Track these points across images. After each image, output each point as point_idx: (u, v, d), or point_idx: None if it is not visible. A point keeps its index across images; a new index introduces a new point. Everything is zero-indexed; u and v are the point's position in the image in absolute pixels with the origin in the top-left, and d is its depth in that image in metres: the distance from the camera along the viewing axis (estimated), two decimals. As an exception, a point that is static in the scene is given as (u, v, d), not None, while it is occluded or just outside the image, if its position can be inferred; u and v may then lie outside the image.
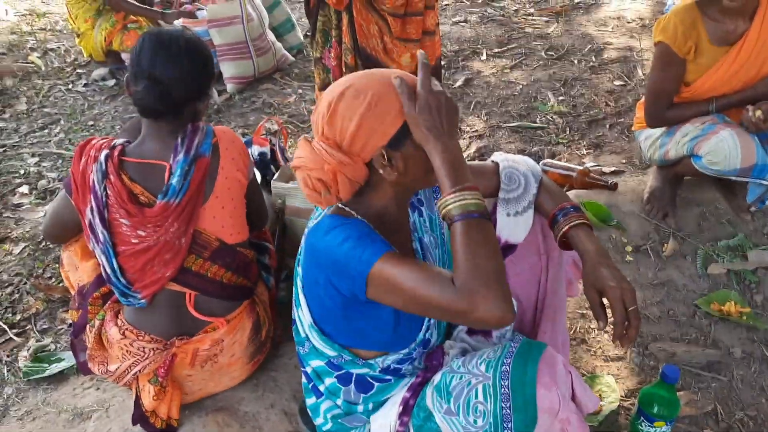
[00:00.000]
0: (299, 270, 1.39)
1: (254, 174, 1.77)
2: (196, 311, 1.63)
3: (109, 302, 1.70)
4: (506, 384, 1.21)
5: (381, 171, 1.22)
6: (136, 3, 3.81)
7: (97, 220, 1.52)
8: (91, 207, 1.53)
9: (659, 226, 2.35)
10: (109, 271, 1.56)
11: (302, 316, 1.40)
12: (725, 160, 2.08)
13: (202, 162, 1.56)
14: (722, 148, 2.07)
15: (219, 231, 1.62)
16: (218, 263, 1.62)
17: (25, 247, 2.55)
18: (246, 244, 1.71)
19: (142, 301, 1.59)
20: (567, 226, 1.38)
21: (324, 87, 2.46)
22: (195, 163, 1.55)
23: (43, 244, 2.55)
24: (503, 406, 1.22)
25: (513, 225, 1.50)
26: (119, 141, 1.59)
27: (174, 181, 1.53)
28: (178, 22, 3.69)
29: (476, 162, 1.60)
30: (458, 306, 1.10)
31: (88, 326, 1.72)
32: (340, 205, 1.30)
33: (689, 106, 2.23)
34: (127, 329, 1.63)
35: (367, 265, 1.16)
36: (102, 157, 1.53)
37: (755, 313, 2.00)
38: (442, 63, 3.63)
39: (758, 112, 2.04)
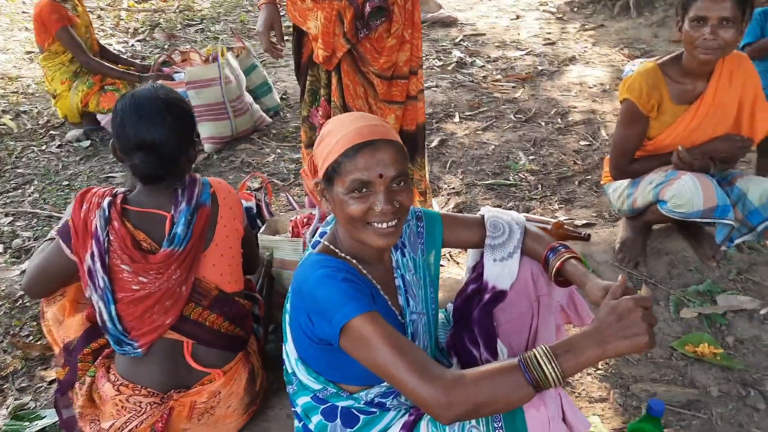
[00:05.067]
0: (288, 306, 1.43)
1: (247, 222, 1.82)
2: (194, 361, 1.64)
3: (100, 358, 1.70)
4: None
5: (322, 204, 1.35)
6: (114, 66, 3.89)
7: (98, 265, 1.54)
8: (92, 253, 1.55)
9: (632, 274, 2.46)
10: (106, 317, 1.57)
11: (289, 350, 1.45)
12: (688, 202, 2.21)
13: (203, 211, 1.61)
14: (685, 191, 2.21)
15: (218, 279, 1.66)
16: (216, 312, 1.65)
17: (0, 306, 2.50)
18: (242, 294, 1.74)
19: (139, 350, 1.59)
20: (559, 261, 1.47)
21: (310, 144, 2.53)
22: (197, 212, 1.60)
23: (20, 302, 2.52)
24: (495, 427, 1.26)
25: (499, 270, 1.58)
26: (120, 190, 1.63)
27: (179, 229, 1.57)
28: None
29: (465, 215, 1.69)
30: (429, 401, 1.13)
31: (77, 384, 1.69)
32: (325, 243, 1.38)
33: (652, 158, 2.38)
34: (121, 384, 1.62)
35: (345, 318, 1.21)
36: (105, 204, 1.56)
37: (728, 353, 2.08)
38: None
39: (680, 147, 2.24)
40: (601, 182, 2.70)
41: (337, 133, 1.31)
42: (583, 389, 1.99)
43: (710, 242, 2.48)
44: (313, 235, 2.22)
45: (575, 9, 5.73)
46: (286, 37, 2.51)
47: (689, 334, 2.16)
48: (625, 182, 2.49)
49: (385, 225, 1.29)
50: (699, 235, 2.53)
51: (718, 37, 2.11)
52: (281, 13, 2.46)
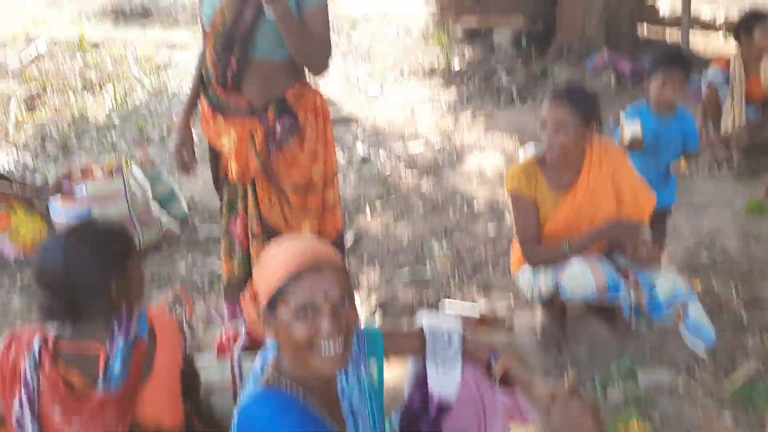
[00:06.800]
0: None
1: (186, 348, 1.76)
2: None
3: None
4: None
5: (265, 332, 1.32)
6: (7, 185, 3.70)
7: (26, 410, 1.44)
8: (20, 399, 1.45)
9: (556, 359, 2.55)
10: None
11: None
12: (582, 285, 2.35)
13: (140, 346, 1.55)
14: (576, 275, 2.35)
15: (156, 415, 1.57)
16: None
17: None
18: (183, 430, 1.65)
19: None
20: (501, 365, 1.51)
21: (230, 254, 2.51)
22: (134, 348, 1.53)
23: None
24: None
25: (443, 379, 1.60)
26: (52, 329, 1.55)
27: (116, 368, 1.49)
28: (57, 203, 3.60)
29: (403, 326, 1.72)
30: None
31: None
32: (270, 371, 1.36)
33: (548, 247, 2.50)
34: None
35: None
36: (36, 347, 1.48)
37: (655, 429, 2.18)
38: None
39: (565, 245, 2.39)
40: (512, 270, 2.81)
41: (279, 257, 1.32)
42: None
43: (622, 320, 2.63)
44: (242, 351, 2.17)
45: (465, 101, 6.12)
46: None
47: (618, 414, 2.24)
48: (528, 272, 2.59)
49: (332, 347, 1.28)
50: (611, 314, 2.68)
51: (557, 140, 2.35)
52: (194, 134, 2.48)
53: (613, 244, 2.50)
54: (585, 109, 2.36)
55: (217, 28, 2.20)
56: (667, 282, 2.41)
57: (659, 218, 2.92)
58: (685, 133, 2.88)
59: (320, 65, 2.28)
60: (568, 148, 2.38)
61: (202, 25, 2.33)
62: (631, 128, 2.75)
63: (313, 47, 2.20)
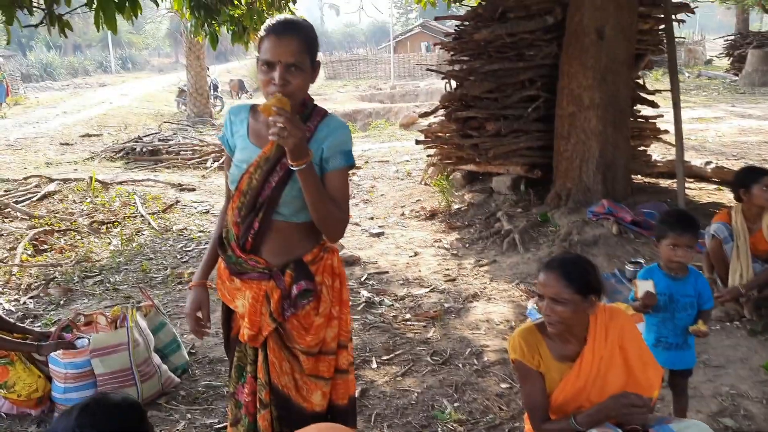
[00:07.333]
0: None
1: None
2: None
3: None
4: None
5: None
6: (7, 336, 3.62)
7: None
8: None
9: None
10: None
11: None
12: None
13: None
14: None
15: None
16: None
17: None
18: None
19: None
20: None
21: (235, 422, 2.40)
22: None
23: None
24: None
25: None
26: None
27: None
28: (57, 354, 3.51)
29: None
30: None
31: None
32: None
33: (557, 425, 2.37)
34: None
35: None
36: None
37: None
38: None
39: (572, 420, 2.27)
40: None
41: None
42: None
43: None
44: None
45: (467, 245, 6.18)
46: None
47: None
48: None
49: None
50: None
51: (554, 313, 2.29)
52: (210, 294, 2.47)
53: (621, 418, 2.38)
54: (582, 283, 2.30)
55: (242, 190, 2.25)
56: (694, 430, 2.29)
57: (680, 380, 2.84)
58: (699, 292, 2.87)
59: (337, 232, 2.29)
60: (568, 321, 2.32)
61: (227, 185, 2.38)
62: (643, 286, 2.75)
63: (333, 212, 2.22)
